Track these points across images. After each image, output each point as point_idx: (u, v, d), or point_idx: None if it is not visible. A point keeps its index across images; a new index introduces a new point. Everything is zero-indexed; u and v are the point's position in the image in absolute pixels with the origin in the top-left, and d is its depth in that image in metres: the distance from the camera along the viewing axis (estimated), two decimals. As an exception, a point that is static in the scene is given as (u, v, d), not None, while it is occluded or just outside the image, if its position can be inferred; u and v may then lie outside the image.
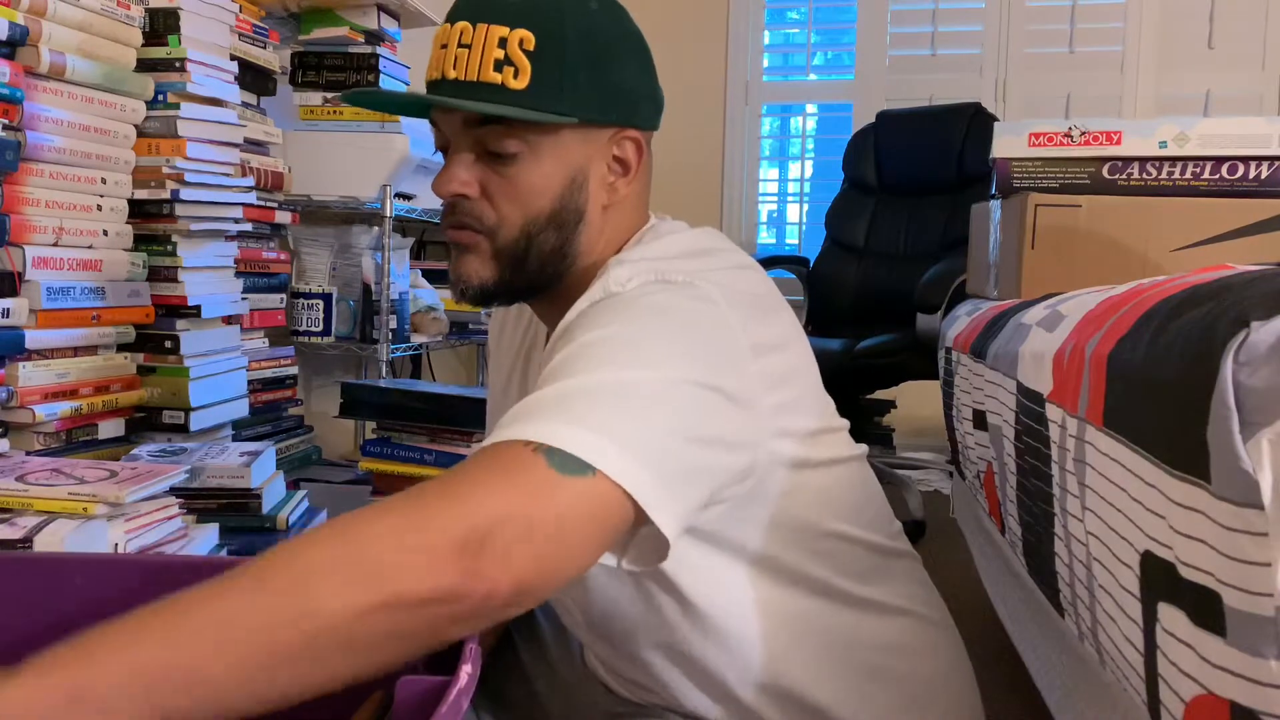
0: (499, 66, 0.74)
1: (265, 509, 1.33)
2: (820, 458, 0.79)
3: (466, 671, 0.57)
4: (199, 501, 1.27)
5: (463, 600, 0.53)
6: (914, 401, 2.85)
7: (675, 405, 0.64)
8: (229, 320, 1.72)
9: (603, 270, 0.75)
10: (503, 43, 0.73)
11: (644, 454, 0.60)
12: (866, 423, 2.81)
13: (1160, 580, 0.55)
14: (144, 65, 1.53)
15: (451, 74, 0.75)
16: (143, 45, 1.51)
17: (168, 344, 1.56)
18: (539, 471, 0.58)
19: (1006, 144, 1.38)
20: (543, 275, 0.79)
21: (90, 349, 1.41)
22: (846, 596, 0.82)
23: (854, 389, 2.48)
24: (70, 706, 0.47)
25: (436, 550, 0.53)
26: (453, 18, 0.76)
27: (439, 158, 0.82)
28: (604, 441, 0.59)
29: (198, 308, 1.59)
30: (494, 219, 0.77)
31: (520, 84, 0.74)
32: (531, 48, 0.74)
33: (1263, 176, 1.26)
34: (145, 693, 0.48)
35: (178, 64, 1.57)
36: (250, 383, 1.77)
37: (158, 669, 0.49)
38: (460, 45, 0.75)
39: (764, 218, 3.60)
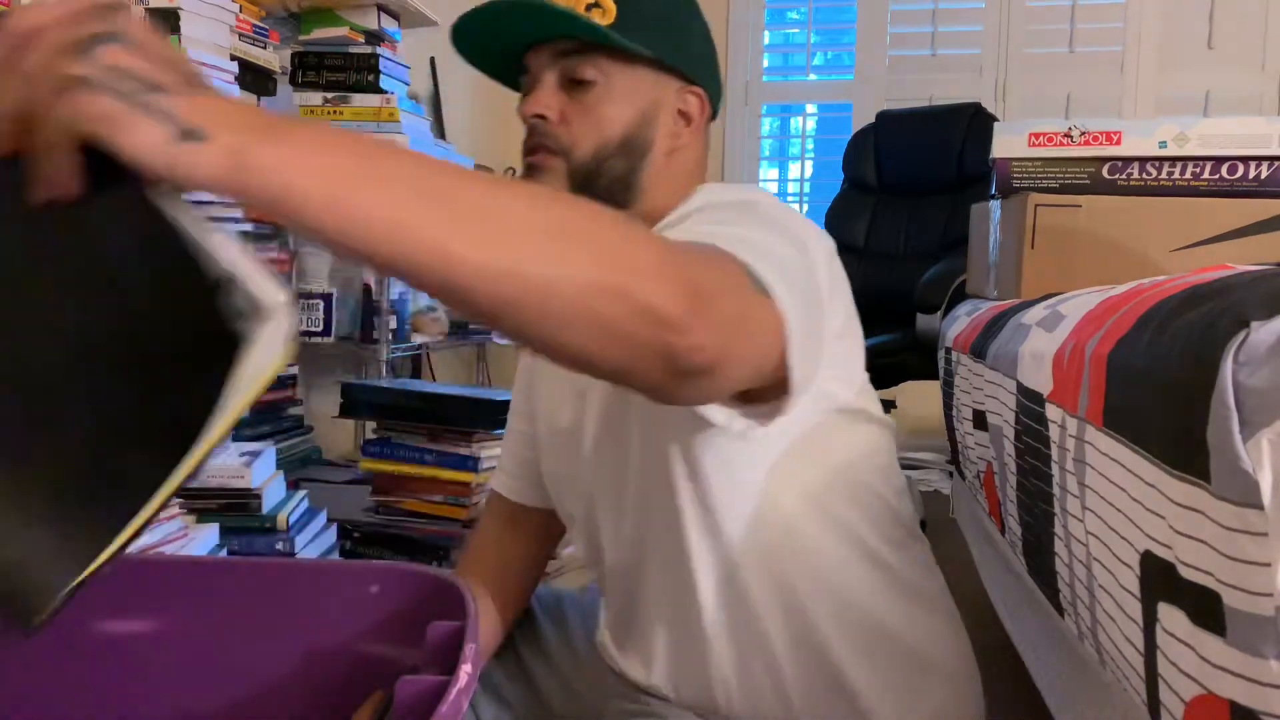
0: (589, 8, 0.82)
1: (265, 509, 1.33)
2: (867, 411, 0.86)
3: (466, 671, 0.57)
4: (199, 501, 1.27)
5: (678, 334, 0.53)
6: (914, 401, 2.85)
7: (812, 286, 0.72)
8: (229, 320, 1.72)
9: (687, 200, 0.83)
10: None
11: (796, 309, 0.64)
12: (866, 423, 2.81)
13: (1160, 580, 0.55)
14: (144, 65, 1.53)
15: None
16: (143, 45, 1.52)
17: (168, 344, 1.56)
18: (741, 275, 0.61)
19: (1006, 144, 1.38)
20: (609, 201, 0.83)
21: (90, 349, 1.41)
22: (875, 556, 0.85)
23: (854, 389, 2.47)
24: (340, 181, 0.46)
25: (678, 281, 0.53)
26: None
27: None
28: (776, 280, 0.63)
29: (198, 308, 1.59)
30: (569, 140, 0.84)
31: (606, 21, 0.82)
32: None
33: (1263, 176, 1.26)
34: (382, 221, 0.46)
35: (178, 64, 1.57)
36: (250, 383, 1.76)
37: (423, 168, 0.49)
38: None
39: (764, 218, 3.59)
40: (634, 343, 0.52)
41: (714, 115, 0.91)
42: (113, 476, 0.46)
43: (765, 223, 0.72)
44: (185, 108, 0.44)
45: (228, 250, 0.46)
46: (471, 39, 0.86)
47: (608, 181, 0.84)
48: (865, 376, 0.88)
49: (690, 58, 0.88)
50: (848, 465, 0.85)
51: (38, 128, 0.43)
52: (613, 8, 0.82)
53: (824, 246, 0.80)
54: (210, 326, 0.45)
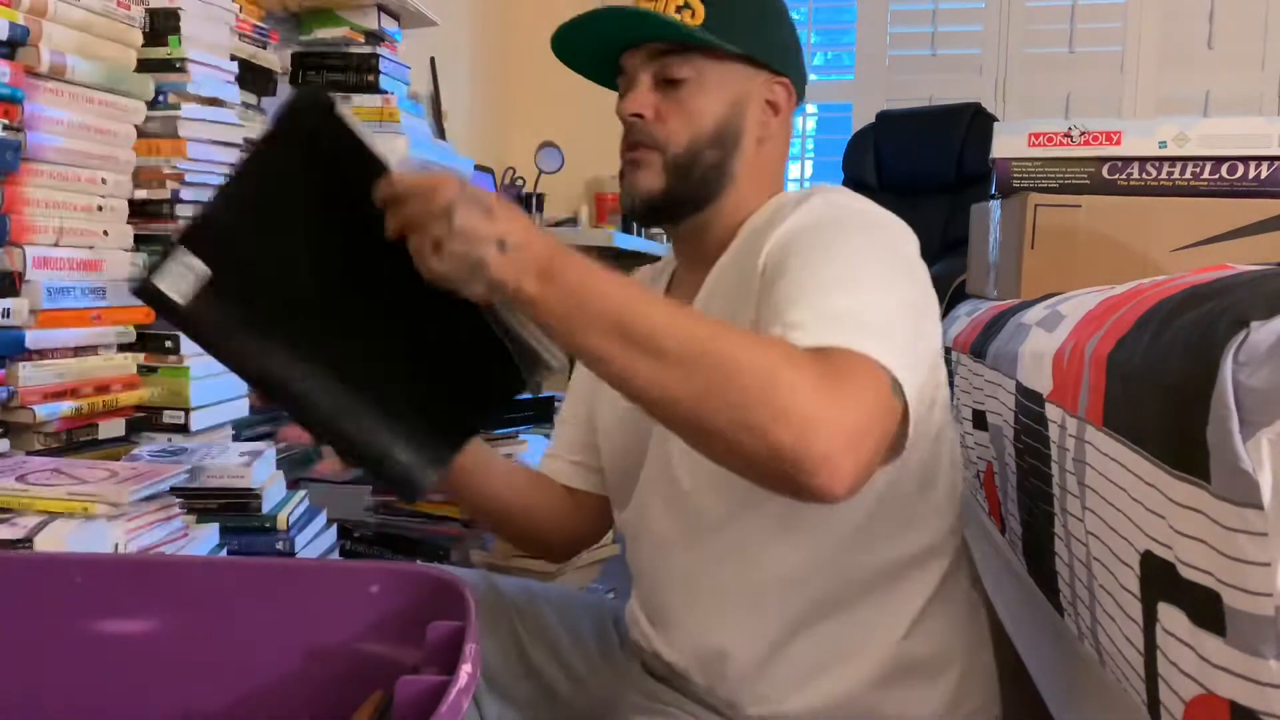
0: (679, 10, 0.88)
1: (265, 509, 1.33)
2: (947, 412, 0.91)
3: (466, 671, 0.57)
4: (199, 501, 1.27)
5: (812, 478, 0.64)
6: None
7: (929, 327, 0.80)
8: (229, 320, 1.71)
9: (785, 204, 0.87)
10: None
11: (918, 380, 0.74)
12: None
13: (1160, 580, 0.55)
14: (144, 65, 1.53)
15: (645, 4, 0.89)
16: (143, 45, 1.51)
17: (168, 344, 1.55)
18: (886, 394, 0.70)
19: (1006, 144, 1.38)
20: (704, 189, 0.91)
21: (90, 349, 1.41)
22: (938, 551, 0.89)
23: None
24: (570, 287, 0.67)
25: (821, 437, 0.64)
26: None
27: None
28: (904, 365, 0.71)
29: (198, 308, 1.59)
30: (665, 135, 0.89)
31: (695, 22, 0.88)
32: None
33: (1263, 176, 1.26)
34: (606, 315, 0.67)
35: (178, 64, 1.56)
36: (250, 383, 1.77)
37: (626, 313, 0.67)
38: None
39: (764, 218, 3.59)
40: (768, 474, 0.66)
41: (800, 101, 0.96)
42: (439, 416, 0.77)
43: (874, 260, 0.79)
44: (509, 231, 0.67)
45: (532, 327, 0.72)
46: (570, 44, 0.94)
47: (702, 171, 0.90)
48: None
49: (776, 49, 0.94)
50: (934, 466, 0.88)
51: (420, 239, 0.67)
52: (701, 8, 0.88)
53: (915, 248, 0.85)
54: (506, 364, 0.74)
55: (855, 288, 0.75)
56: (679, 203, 0.91)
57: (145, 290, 0.72)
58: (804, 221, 0.83)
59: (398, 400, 0.76)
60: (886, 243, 0.82)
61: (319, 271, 0.75)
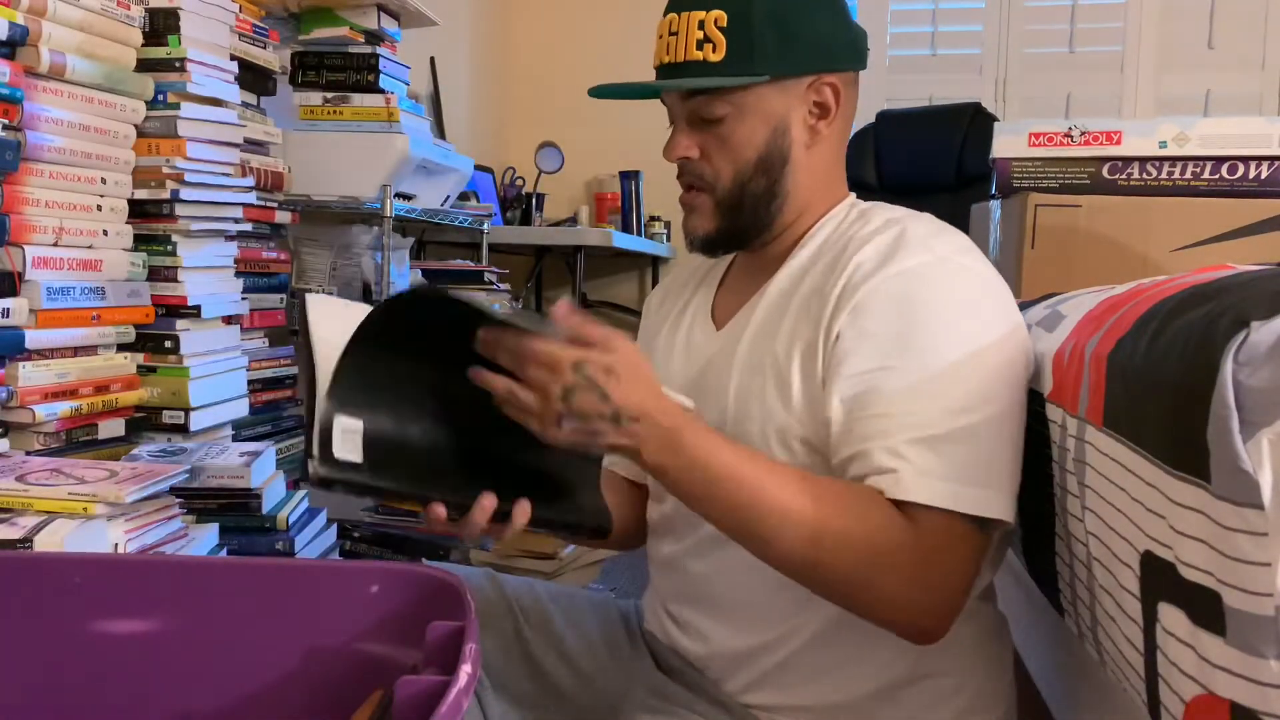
0: (700, 45, 0.88)
1: (265, 509, 1.33)
2: None
3: (466, 671, 0.57)
4: (199, 501, 1.27)
5: (910, 638, 0.80)
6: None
7: (1016, 434, 0.82)
8: (229, 320, 1.71)
9: (864, 229, 0.89)
10: (701, 25, 0.87)
11: (1011, 487, 0.80)
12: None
13: (1160, 580, 0.55)
14: (144, 65, 1.53)
15: (666, 59, 0.90)
16: (143, 45, 1.51)
17: (168, 344, 1.55)
18: (976, 541, 0.79)
19: (1006, 144, 1.37)
20: (757, 217, 0.92)
21: (90, 349, 1.41)
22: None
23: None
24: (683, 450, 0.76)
25: (915, 620, 0.79)
26: (666, 11, 0.90)
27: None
28: (996, 495, 0.78)
29: (198, 308, 1.58)
30: (712, 174, 0.91)
31: (718, 56, 0.87)
32: (724, 24, 0.87)
33: (1263, 176, 1.26)
34: (717, 484, 0.76)
35: (178, 64, 1.56)
36: (250, 383, 1.76)
37: (744, 499, 0.76)
38: (670, 34, 0.89)
39: (764, 218, 3.59)
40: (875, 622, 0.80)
41: (861, 68, 0.97)
42: (565, 484, 0.85)
43: (967, 371, 0.79)
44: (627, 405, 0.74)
45: None
46: (607, 93, 0.94)
47: (752, 201, 0.91)
48: None
49: (813, 53, 0.91)
50: None
51: (540, 416, 0.75)
52: (722, 40, 0.87)
53: (1005, 312, 0.84)
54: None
55: (949, 416, 0.78)
56: (737, 236, 0.93)
57: (327, 463, 0.73)
58: (890, 288, 0.82)
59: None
60: (976, 335, 0.81)
61: (445, 416, 0.81)
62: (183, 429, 1.56)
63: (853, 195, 0.98)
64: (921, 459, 0.77)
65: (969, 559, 0.79)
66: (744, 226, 0.92)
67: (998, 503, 0.78)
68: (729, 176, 0.90)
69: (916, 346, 0.80)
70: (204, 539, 1.19)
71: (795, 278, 0.90)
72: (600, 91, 0.93)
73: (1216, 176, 1.28)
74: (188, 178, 1.56)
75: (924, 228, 0.88)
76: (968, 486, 0.77)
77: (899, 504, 0.77)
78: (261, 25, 1.84)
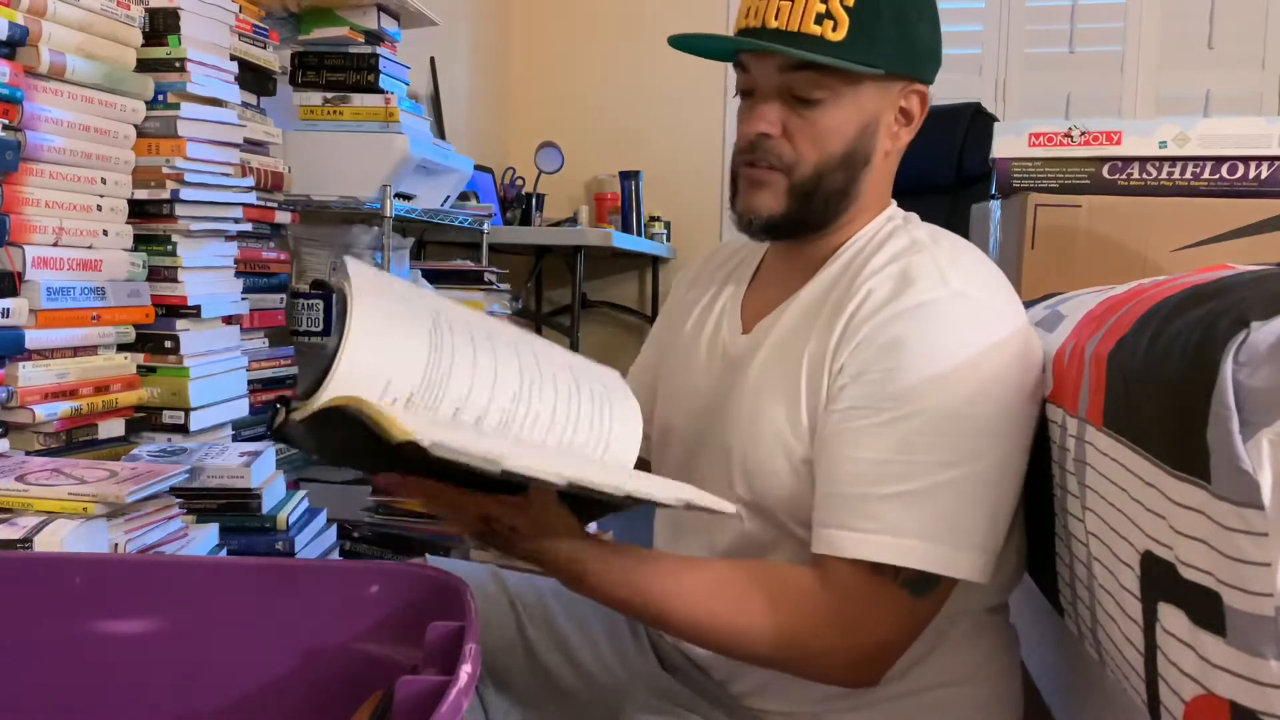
0: (820, 19, 0.81)
1: (265, 509, 1.33)
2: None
3: (466, 671, 0.57)
4: (199, 501, 1.27)
5: (843, 688, 0.82)
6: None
7: (1002, 487, 0.79)
8: (229, 320, 1.71)
9: (886, 253, 0.86)
10: None
11: (977, 542, 0.77)
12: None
13: (1160, 580, 0.55)
14: (144, 65, 1.52)
15: (773, 23, 0.82)
16: (143, 45, 1.51)
17: (168, 344, 1.55)
18: (904, 605, 0.76)
19: (1006, 144, 1.37)
20: (826, 212, 0.88)
21: (90, 349, 1.41)
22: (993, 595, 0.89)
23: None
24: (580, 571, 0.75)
25: (834, 669, 0.79)
26: None
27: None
28: (951, 551, 0.75)
29: (198, 308, 1.58)
30: (792, 157, 0.85)
31: (838, 36, 0.81)
32: (851, 3, 0.81)
33: (1263, 176, 1.26)
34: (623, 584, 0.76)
35: (178, 64, 1.56)
36: (250, 383, 1.76)
37: (640, 584, 0.76)
38: None
39: (764, 218, 3.59)
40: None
41: (933, 82, 0.90)
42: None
43: (943, 436, 0.76)
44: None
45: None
46: (692, 42, 0.88)
47: (825, 195, 0.86)
48: None
49: (920, 57, 0.87)
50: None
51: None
52: (845, 19, 0.81)
53: (1012, 370, 0.79)
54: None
55: (911, 478, 0.75)
56: (798, 225, 0.88)
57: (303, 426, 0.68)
58: (890, 329, 0.79)
59: None
60: (967, 386, 0.77)
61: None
62: (183, 429, 1.56)
63: (894, 204, 0.95)
64: (875, 525, 0.75)
65: (911, 628, 0.78)
66: (809, 217, 0.88)
67: (957, 562, 0.76)
68: (811, 163, 0.85)
69: (899, 396, 0.77)
70: (204, 539, 1.19)
71: (824, 289, 0.88)
72: (680, 41, 0.89)
73: (1216, 176, 1.28)
74: (188, 178, 1.56)
75: (944, 255, 0.83)
76: (939, 545, 0.75)
77: (831, 560, 0.77)
78: (261, 25, 1.84)
